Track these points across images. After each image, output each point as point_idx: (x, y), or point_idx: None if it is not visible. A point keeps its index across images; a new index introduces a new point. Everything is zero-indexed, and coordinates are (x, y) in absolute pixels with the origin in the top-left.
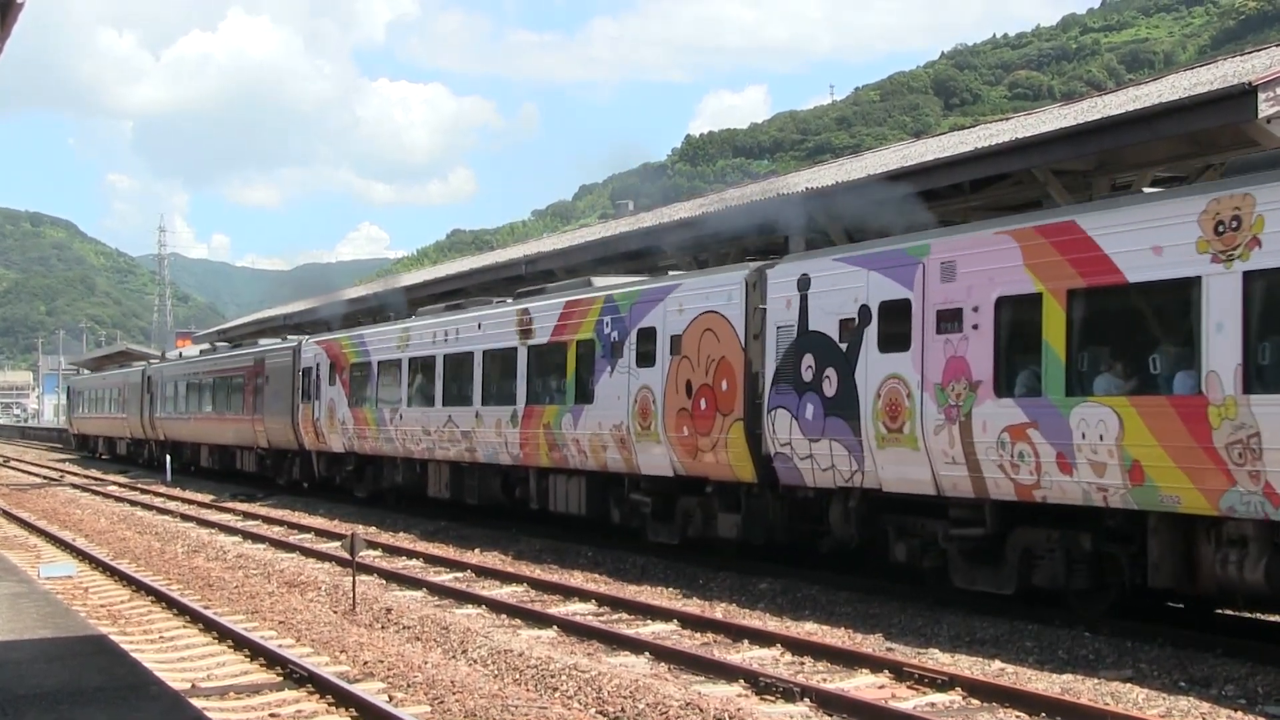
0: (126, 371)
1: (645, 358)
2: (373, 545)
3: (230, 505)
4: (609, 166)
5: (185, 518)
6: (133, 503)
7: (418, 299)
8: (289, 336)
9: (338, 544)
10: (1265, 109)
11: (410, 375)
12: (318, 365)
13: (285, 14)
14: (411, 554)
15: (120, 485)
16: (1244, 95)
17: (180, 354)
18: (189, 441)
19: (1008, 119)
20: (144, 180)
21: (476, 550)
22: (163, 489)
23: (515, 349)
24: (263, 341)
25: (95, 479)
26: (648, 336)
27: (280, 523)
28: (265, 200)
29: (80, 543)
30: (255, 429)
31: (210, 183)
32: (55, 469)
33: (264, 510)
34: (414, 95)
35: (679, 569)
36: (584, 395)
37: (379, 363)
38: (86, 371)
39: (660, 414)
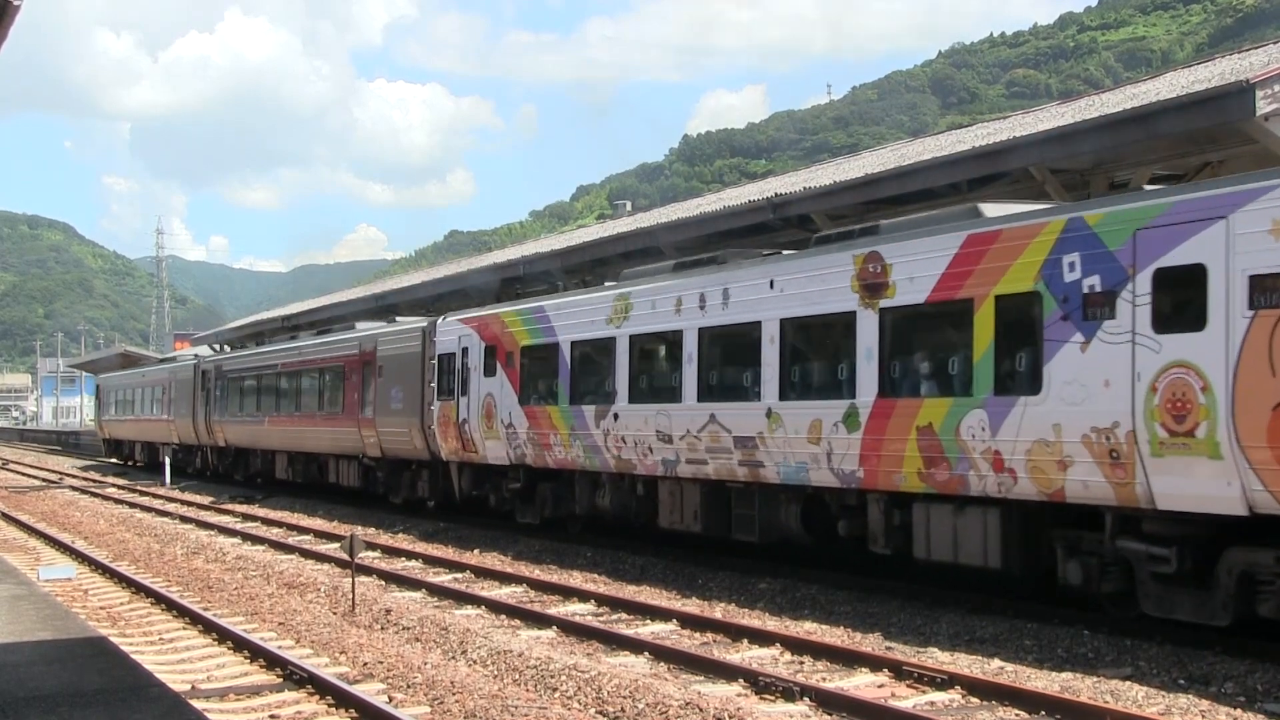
0: (174, 366)
1: (1176, 315)
2: (372, 546)
3: (229, 507)
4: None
5: (184, 519)
6: (132, 505)
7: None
8: (397, 318)
9: (337, 545)
10: (1263, 106)
11: (634, 359)
12: (464, 351)
13: (283, 16)
14: (410, 555)
15: (119, 488)
16: (1241, 93)
17: (238, 343)
18: (261, 449)
19: (1005, 117)
20: (142, 182)
21: (475, 551)
22: (162, 491)
23: (853, 314)
24: (363, 325)
25: (94, 481)
26: (1184, 280)
27: (279, 524)
28: (263, 202)
29: (80, 545)
30: (362, 433)
31: (208, 184)
32: (55, 471)
33: (263, 512)
34: (412, 96)
35: (678, 569)
36: (1016, 381)
37: (573, 343)
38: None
39: (1226, 411)
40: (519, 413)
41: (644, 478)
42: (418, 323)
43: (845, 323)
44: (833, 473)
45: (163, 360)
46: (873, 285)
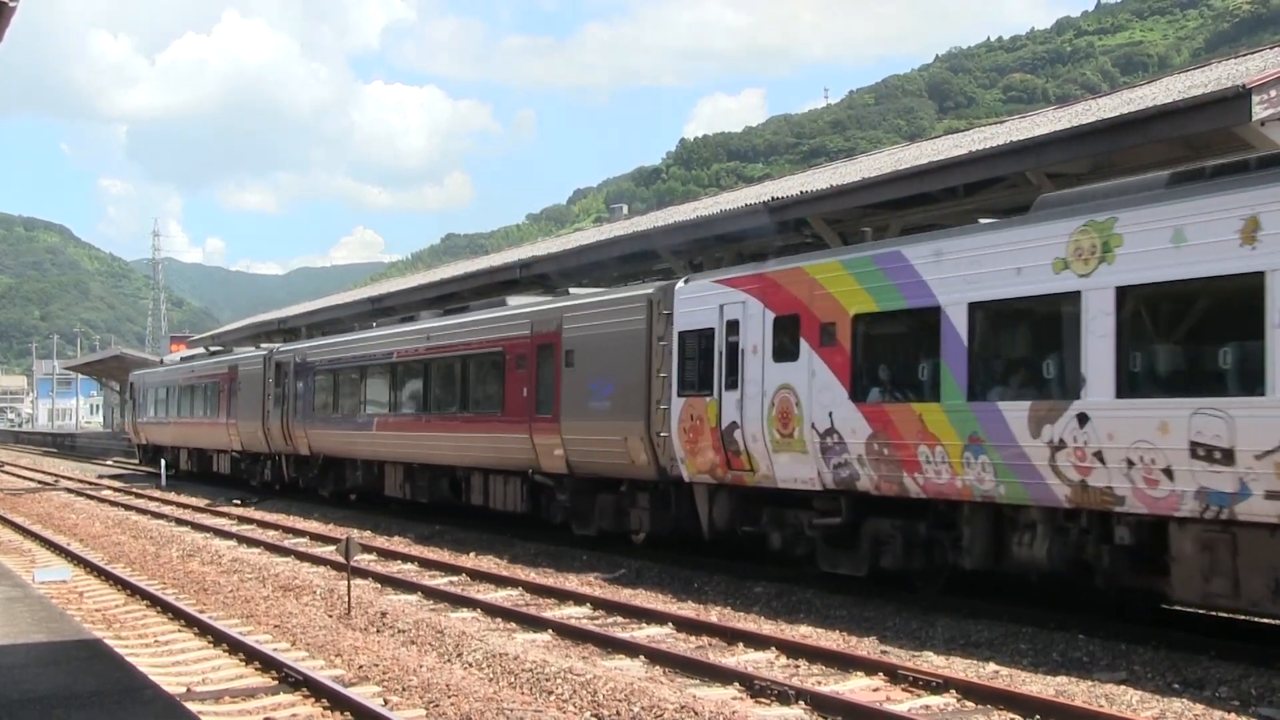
0: (234, 359)
1: None
2: (368, 549)
3: (225, 510)
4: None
5: (180, 522)
6: (127, 507)
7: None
8: (572, 289)
9: (333, 548)
10: (1259, 112)
11: (1127, 327)
12: (731, 325)
13: (280, 18)
14: (406, 558)
15: (115, 490)
16: (1238, 98)
17: (317, 330)
18: (363, 459)
19: (1002, 122)
20: (138, 184)
21: (471, 554)
22: (157, 493)
23: None
24: (522, 299)
25: (89, 484)
26: None
27: (275, 527)
28: (260, 205)
29: (75, 547)
30: (536, 441)
31: (205, 187)
32: (50, 474)
33: (259, 514)
34: (409, 99)
35: (673, 573)
36: None
37: (974, 306)
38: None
39: None
40: (849, 413)
41: (1144, 518)
42: (639, 290)
43: None
44: None
45: (214, 352)
46: None
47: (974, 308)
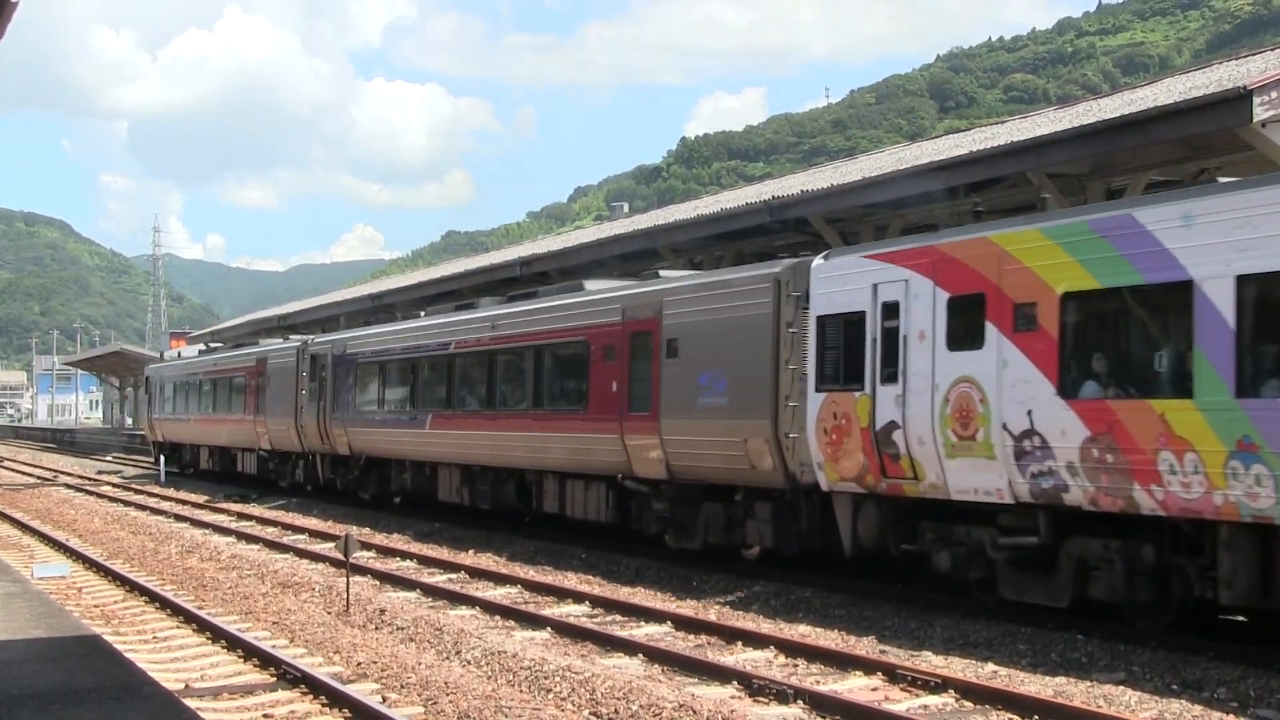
0: (263, 351)
1: None
2: (366, 546)
3: (225, 506)
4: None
5: (179, 518)
6: (126, 503)
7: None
8: (656, 270)
9: (332, 545)
10: (1260, 113)
11: None
12: (887, 308)
13: (282, 15)
14: (405, 555)
15: (114, 485)
16: (1239, 99)
17: (361, 319)
18: (413, 459)
19: (1003, 122)
20: (139, 180)
21: (470, 552)
22: (156, 489)
23: None
24: (601, 283)
25: (89, 479)
26: None
27: (274, 524)
28: (260, 201)
29: (74, 543)
30: (629, 442)
31: (205, 183)
32: (49, 469)
33: (258, 511)
34: (410, 96)
35: (672, 571)
36: None
37: (1242, 280)
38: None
39: None
40: (1056, 412)
41: None
42: (762, 269)
43: None
44: None
45: (238, 345)
46: None
47: (1244, 281)
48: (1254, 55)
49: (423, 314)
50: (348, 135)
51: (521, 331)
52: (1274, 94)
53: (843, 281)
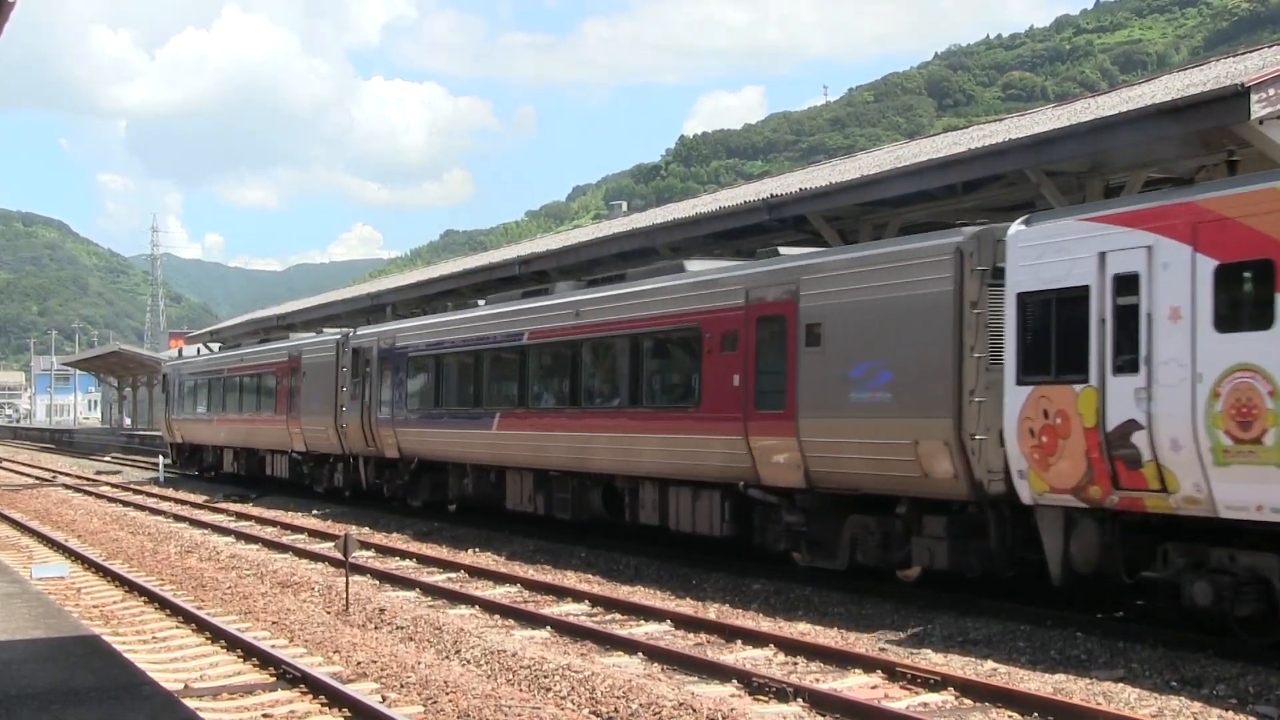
0: (295, 345)
1: None
2: (365, 546)
3: (223, 506)
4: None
5: (178, 518)
6: (125, 503)
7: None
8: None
9: (331, 545)
10: (1258, 110)
11: None
12: (1121, 281)
13: (281, 14)
14: (405, 554)
15: (113, 486)
16: (1237, 96)
17: (413, 308)
18: (475, 463)
19: (1001, 120)
20: (137, 180)
21: (470, 551)
22: (155, 489)
23: None
24: (712, 264)
25: (88, 479)
26: None
27: (273, 523)
28: (259, 201)
29: (73, 543)
30: (756, 445)
31: (204, 183)
32: (48, 469)
33: (257, 511)
34: (409, 95)
35: (672, 570)
36: None
37: None
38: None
39: None
40: None
41: None
42: (938, 239)
43: None
44: None
45: (265, 340)
46: None
47: None
48: (1252, 52)
49: (481, 303)
50: (347, 134)
51: (614, 319)
52: (1272, 91)
53: (1054, 251)
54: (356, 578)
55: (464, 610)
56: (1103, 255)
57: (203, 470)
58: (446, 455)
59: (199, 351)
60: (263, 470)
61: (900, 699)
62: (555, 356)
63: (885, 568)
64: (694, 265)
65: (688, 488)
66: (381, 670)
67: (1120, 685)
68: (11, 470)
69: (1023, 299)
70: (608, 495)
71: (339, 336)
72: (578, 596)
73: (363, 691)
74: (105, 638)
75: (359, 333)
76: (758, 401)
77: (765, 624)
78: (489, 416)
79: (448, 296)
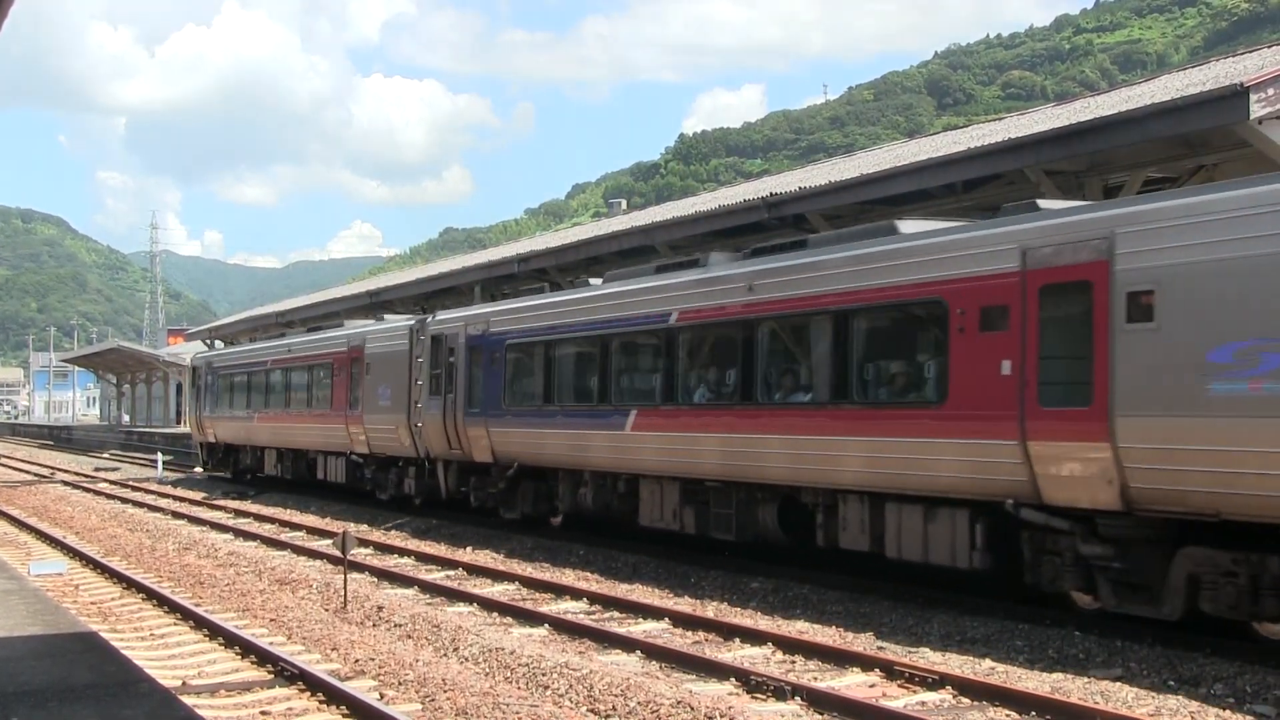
0: (360, 332)
1: None
2: (364, 543)
3: (222, 503)
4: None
5: (176, 515)
6: (123, 500)
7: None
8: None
9: (329, 542)
10: (1257, 110)
11: None
12: None
13: (280, 11)
14: (403, 552)
15: (111, 483)
16: (1236, 96)
17: (506, 286)
18: (638, 471)
19: (1001, 119)
20: (136, 177)
21: (468, 549)
22: (154, 487)
23: None
24: (946, 225)
25: (86, 476)
26: None
27: (272, 520)
28: (258, 198)
29: (71, 540)
30: (1055, 452)
31: (203, 180)
32: (46, 466)
33: (255, 508)
34: (409, 92)
35: (670, 568)
36: None
37: None
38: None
39: None
40: None
41: None
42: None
43: None
44: None
45: (312, 328)
46: None
47: None
48: (1251, 52)
49: (595, 281)
50: (346, 132)
51: (806, 293)
52: (1271, 91)
53: None
54: (355, 575)
55: (462, 608)
56: None
57: (239, 473)
58: (557, 460)
59: (208, 347)
60: (312, 474)
61: (898, 697)
62: (717, 341)
63: (1243, 620)
64: (909, 226)
65: (917, 506)
66: (379, 668)
67: (1118, 684)
68: (10, 467)
69: None
70: (785, 511)
71: (412, 322)
72: (576, 594)
73: (360, 689)
74: (103, 634)
75: (439, 317)
76: (1042, 395)
77: (763, 622)
78: (619, 414)
79: (448, 295)
